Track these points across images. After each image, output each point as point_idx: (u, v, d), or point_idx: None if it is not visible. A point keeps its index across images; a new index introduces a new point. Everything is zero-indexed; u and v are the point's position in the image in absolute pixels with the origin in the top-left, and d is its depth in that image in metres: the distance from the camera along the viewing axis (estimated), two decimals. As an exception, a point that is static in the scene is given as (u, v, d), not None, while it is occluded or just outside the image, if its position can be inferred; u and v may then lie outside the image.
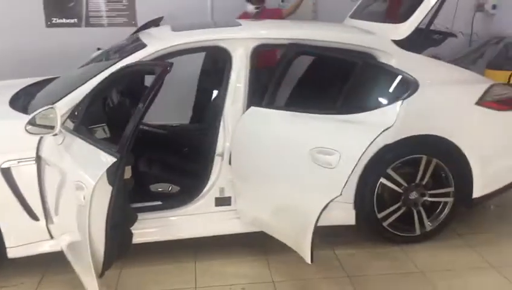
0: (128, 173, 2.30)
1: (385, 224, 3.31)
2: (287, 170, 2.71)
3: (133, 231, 2.76)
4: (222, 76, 3.17)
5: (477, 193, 3.34)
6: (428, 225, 3.36)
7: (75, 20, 5.74)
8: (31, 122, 2.58)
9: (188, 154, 3.67)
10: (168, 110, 4.53)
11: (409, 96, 2.59)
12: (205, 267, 3.15)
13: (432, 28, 3.54)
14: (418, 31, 3.34)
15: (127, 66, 2.84)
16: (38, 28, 5.67)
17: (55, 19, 5.70)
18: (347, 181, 2.38)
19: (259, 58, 3.12)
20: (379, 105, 2.59)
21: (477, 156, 3.27)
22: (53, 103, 2.86)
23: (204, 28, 3.34)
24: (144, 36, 3.38)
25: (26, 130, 2.56)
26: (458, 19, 5.40)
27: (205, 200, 3.18)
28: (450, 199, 3.34)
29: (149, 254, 3.20)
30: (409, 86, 2.68)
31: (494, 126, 3.34)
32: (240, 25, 3.40)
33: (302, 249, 2.67)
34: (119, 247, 2.49)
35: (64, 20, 5.73)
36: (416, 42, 3.35)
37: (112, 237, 2.29)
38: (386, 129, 2.35)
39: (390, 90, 2.77)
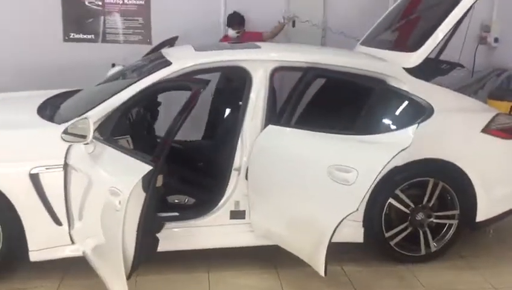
0: (160, 181, 2.44)
1: (392, 243, 3.43)
2: (303, 185, 2.86)
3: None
4: (236, 95, 3.33)
5: (480, 216, 3.48)
6: (434, 246, 3.48)
7: (92, 36, 5.93)
8: (66, 132, 2.71)
9: (203, 169, 3.81)
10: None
11: (424, 120, 2.76)
12: (218, 278, 3.26)
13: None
14: (427, 60, 3.53)
15: (164, 81, 2.99)
16: (57, 42, 5.84)
17: (73, 34, 5.88)
18: (364, 197, 2.52)
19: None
20: (395, 127, 2.75)
21: (482, 181, 3.43)
22: (81, 114, 3.02)
23: (226, 49, 3.51)
24: (167, 54, 3.55)
25: (62, 138, 2.70)
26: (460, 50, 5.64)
27: (220, 212, 3.31)
28: (454, 221, 3.48)
29: (163, 263, 3.30)
30: (424, 111, 2.85)
31: (499, 153, 3.51)
32: (260, 47, 3.58)
33: (316, 263, 2.79)
34: (146, 252, 2.62)
35: (81, 36, 5.91)
36: (425, 71, 3.54)
37: (141, 241, 2.41)
38: (403, 150, 2.51)
39: (406, 114, 2.93)
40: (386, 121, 2.94)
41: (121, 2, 5.90)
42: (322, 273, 2.74)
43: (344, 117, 3.07)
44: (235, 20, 5.42)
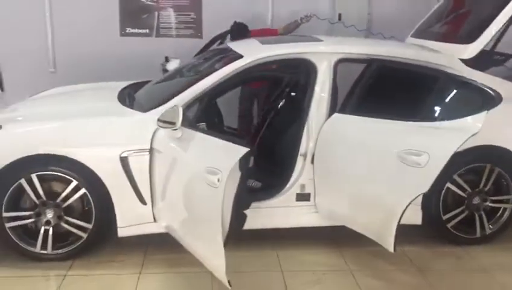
0: (251, 162, 2.69)
1: (449, 225, 3.63)
2: (372, 169, 3.08)
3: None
4: (291, 87, 3.52)
5: (534, 201, 3.65)
6: (489, 229, 3.66)
7: (147, 30, 6.22)
8: (160, 119, 3.00)
9: (268, 154, 4.05)
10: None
11: (492, 107, 2.94)
12: (286, 255, 3.50)
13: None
14: (482, 51, 3.70)
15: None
16: (114, 36, 6.16)
17: (129, 28, 6.19)
18: (435, 179, 2.73)
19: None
20: (464, 114, 2.94)
21: (536, 167, 3.59)
22: (163, 103, 3.31)
23: (291, 42, 3.74)
24: (236, 47, 3.78)
25: (158, 126, 2.99)
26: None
27: (287, 195, 3.55)
28: (509, 206, 3.65)
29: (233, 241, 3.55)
30: (493, 99, 3.03)
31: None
32: (322, 40, 3.80)
33: (385, 240, 3.02)
34: (237, 226, 2.89)
35: (137, 30, 6.21)
36: (481, 62, 3.71)
37: (236, 216, 2.68)
38: (473, 135, 2.71)
39: (474, 101, 3.12)
40: (455, 108, 3.13)
41: (174, -3, 6.18)
42: (392, 249, 2.97)
43: (407, 105, 3.27)
44: (240, 34, 5.13)
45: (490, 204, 3.64)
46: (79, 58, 6.08)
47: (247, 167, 2.63)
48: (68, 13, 5.98)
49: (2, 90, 5.61)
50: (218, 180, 2.52)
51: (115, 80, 4.65)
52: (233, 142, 2.70)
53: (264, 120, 3.00)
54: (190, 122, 3.11)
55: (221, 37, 5.42)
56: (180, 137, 2.99)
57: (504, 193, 3.65)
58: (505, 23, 3.66)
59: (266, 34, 5.24)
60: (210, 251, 2.70)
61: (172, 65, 4.95)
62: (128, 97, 3.85)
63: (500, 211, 3.68)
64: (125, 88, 4.14)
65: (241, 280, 2.71)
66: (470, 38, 3.73)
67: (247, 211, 3.20)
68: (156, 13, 6.19)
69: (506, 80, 3.81)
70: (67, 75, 5.85)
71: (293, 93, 3.83)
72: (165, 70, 5.76)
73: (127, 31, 6.19)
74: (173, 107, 2.97)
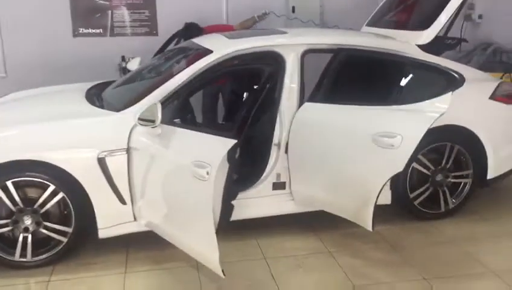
0: (237, 153, 2.76)
1: (416, 203, 3.85)
2: (347, 153, 3.23)
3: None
4: (256, 80, 3.63)
5: (491, 174, 3.92)
6: (452, 203, 3.91)
7: (101, 30, 6.11)
8: (139, 118, 3.01)
9: (242, 146, 4.12)
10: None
11: (456, 89, 3.15)
12: (267, 243, 3.60)
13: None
14: (436, 37, 3.93)
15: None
16: (66, 37, 6.02)
17: (81, 29, 6.06)
18: (411, 156, 2.91)
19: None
20: (433, 95, 3.13)
21: (491, 143, 3.85)
22: (137, 102, 3.31)
23: (258, 36, 3.82)
24: (203, 43, 3.83)
25: (139, 124, 3.00)
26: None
27: (264, 185, 3.65)
28: (469, 180, 3.92)
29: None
30: (456, 81, 3.24)
31: (504, 117, 3.95)
32: (286, 32, 3.90)
33: (363, 220, 3.18)
34: (226, 217, 2.95)
35: (90, 30, 6.09)
36: (435, 47, 3.94)
37: (224, 207, 2.74)
38: (441, 115, 2.90)
39: (441, 83, 3.33)
40: (422, 90, 3.32)
41: (127, -5, 6.10)
42: (370, 228, 3.13)
43: (376, 90, 3.44)
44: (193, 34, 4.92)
45: (452, 180, 3.89)
46: (31, 61, 5.92)
47: (234, 158, 2.70)
48: (17, 16, 5.79)
49: None
50: (207, 173, 2.58)
51: (70, 82, 4.58)
52: (219, 135, 2.76)
53: (241, 114, 3.07)
54: (169, 119, 3.13)
55: (178, 36, 5.41)
56: (160, 134, 3.02)
57: (464, 168, 3.90)
58: (455, 10, 3.90)
59: (221, 30, 5.28)
60: (202, 243, 2.75)
61: (133, 64, 4.91)
62: (96, 98, 3.81)
63: (461, 186, 3.94)
64: (90, 89, 4.09)
65: (227, 269, 2.78)
66: (424, 24, 3.94)
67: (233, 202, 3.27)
68: (109, 12, 6.08)
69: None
70: (19, 80, 5.69)
71: (263, 86, 3.90)
72: (123, 70, 5.72)
73: (80, 32, 6.06)
74: (152, 105, 2.99)
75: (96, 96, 3.86)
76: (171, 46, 5.14)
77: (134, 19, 6.18)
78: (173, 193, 2.97)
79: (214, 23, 5.90)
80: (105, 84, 4.25)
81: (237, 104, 4.39)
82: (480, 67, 5.88)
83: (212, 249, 2.65)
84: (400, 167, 2.98)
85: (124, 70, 5.66)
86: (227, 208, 3.01)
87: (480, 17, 6.65)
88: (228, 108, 4.93)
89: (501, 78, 5.59)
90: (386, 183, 3.06)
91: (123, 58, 5.82)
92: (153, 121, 2.98)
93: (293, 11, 6.31)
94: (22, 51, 5.86)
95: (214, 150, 2.65)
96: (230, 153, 2.62)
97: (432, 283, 3.11)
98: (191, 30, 5.17)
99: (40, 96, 4.05)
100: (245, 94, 4.48)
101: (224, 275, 2.72)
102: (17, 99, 4.01)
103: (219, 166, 2.56)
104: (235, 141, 2.61)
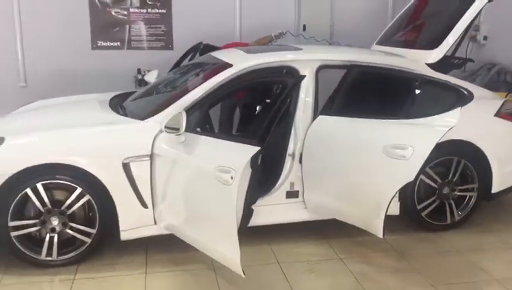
0: (259, 160, 2.93)
1: (423, 214, 4.01)
2: (360, 164, 3.40)
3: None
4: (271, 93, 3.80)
5: (495, 188, 4.09)
6: (458, 215, 4.07)
7: (118, 43, 6.36)
8: (165, 126, 3.20)
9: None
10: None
11: (465, 104, 3.34)
12: (280, 249, 3.75)
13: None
14: (444, 56, 4.13)
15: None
16: (85, 50, 6.25)
17: (100, 42, 6.30)
18: (420, 169, 3.08)
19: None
20: (443, 110, 3.31)
21: (496, 158, 4.03)
22: (159, 111, 3.51)
23: (275, 51, 4.03)
24: (223, 57, 4.03)
25: (165, 132, 3.19)
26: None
27: (278, 193, 3.82)
28: (474, 193, 4.08)
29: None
30: (465, 97, 3.44)
31: (508, 134, 4.12)
32: (301, 49, 4.10)
33: (374, 227, 3.34)
34: (246, 220, 3.13)
35: (108, 43, 6.33)
36: (443, 65, 4.14)
37: (245, 211, 2.91)
38: (451, 128, 3.08)
39: (451, 99, 3.52)
40: (432, 105, 3.50)
41: (144, 11, 6.36)
42: (381, 235, 3.29)
43: (388, 105, 3.63)
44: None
45: (458, 193, 4.05)
46: (50, 72, 6.16)
47: (257, 164, 2.87)
48: (38, 28, 6.03)
49: None
50: (232, 177, 2.76)
51: (87, 92, 4.77)
52: (246, 142, 2.94)
53: (262, 124, 3.27)
54: (190, 128, 3.31)
55: (193, 50, 5.62)
56: (184, 141, 3.20)
57: (469, 182, 4.07)
58: (463, 31, 4.11)
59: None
60: (225, 244, 2.90)
61: (150, 76, 5.13)
62: (119, 107, 4.00)
63: (467, 199, 4.10)
64: (113, 98, 4.29)
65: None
66: (433, 44, 4.16)
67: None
68: (127, 26, 6.34)
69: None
70: (38, 90, 5.92)
71: (279, 99, 4.10)
72: (139, 82, 5.94)
73: (99, 44, 6.31)
74: (177, 114, 3.18)
75: (119, 105, 4.05)
76: (186, 61, 5.36)
77: (151, 33, 6.42)
78: (196, 196, 3.14)
79: (227, 39, 6.13)
80: (127, 95, 4.45)
81: (252, 116, 4.59)
82: (485, 87, 6.11)
83: (234, 249, 2.81)
84: (411, 177, 3.15)
85: (140, 83, 5.89)
86: (247, 212, 3.17)
87: (485, 38, 6.86)
88: (242, 120, 5.11)
89: (505, 97, 5.82)
90: (396, 193, 3.23)
91: (139, 71, 6.05)
92: (177, 129, 3.16)
93: (304, 29, 6.56)
94: (42, 61, 6.10)
95: (238, 156, 2.83)
96: (254, 158, 2.79)
97: (438, 289, 3.25)
98: (208, 50, 5.39)
99: (68, 104, 4.25)
100: (258, 107, 4.68)
101: (244, 274, 2.87)
102: (46, 106, 4.21)
103: (243, 171, 2.73)
104: (259, 148, 2.79)
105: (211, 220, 3.00)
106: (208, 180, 2.94)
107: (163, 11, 6.40)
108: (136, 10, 6.33)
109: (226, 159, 2.88)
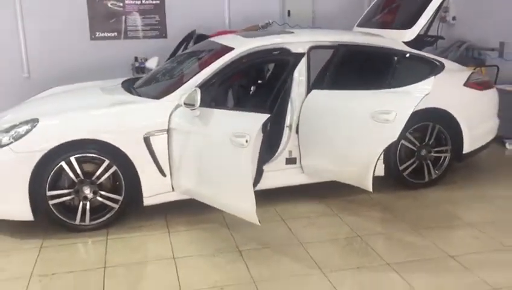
0: (268, 126, 3.43)
1: (405, 174, 4.59)
2: (351, 129, 3.93)
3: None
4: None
5: (466, 149, 4.70)
6: (435, 173, 4.66)
7: (115, 33, 6.74)
8: (184, 102, 3.67)
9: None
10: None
11: (438, 73, 3.91)
12: (283, 209, 4.28)
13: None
14: (418, 35, 4.69)
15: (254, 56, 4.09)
16: (84, 41, 6.62)
17: (98, 32, 6.67)
18: (402, 129, 3.63)
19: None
20: (419, 80, 3.85)
21: (466, 123, 4.62)
22: (173, 91, 3.98)
23: (271, 35, 4.53)
24: (224, 42, 4.50)
25: (185, 107, 3.66)
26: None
27: (278, 160, 4.34)
28: (448, 154, 4.67)
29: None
30: (437, 67, 4.01)
31: (476, 101, 4.72)
32: (293, 32, 4.61)
33: (364, 183, 3.88)
34: (258, 178, 3.64)
35: (106, 34, 6.71)
36: (417, 43, 4.71)
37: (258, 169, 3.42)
38: (426, 95, 3.63)
39: (426, 70, 4.09)
40: (411, 75, 4.03)
41: (139, 2, 6.74)
42: (370, 189, 3.84)
43: (372, 78, 4.17)
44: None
45: (434, 154, 4.64)
46: (52, 63, 6.50)
47: (266, 130, 3.38)
48: (40, 21, 6.37)
49: None
50: (247, 141, 3.25)
51: (88, 80, 5.19)
52: (256, 111, 3.43)
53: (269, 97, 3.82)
54: (206, 103, 3.78)
55: (188, 39, 6.06)
56: (199, 115, 3.68)
57: (443, 144, 4.66)
58: (434, 12, 4.67)
59: None
60: (241, 198, 3.39)
61: (151, 62, 5.60)
62: (132, 89, 4.46)
63: (442, 159, 4.70)
64: (123, 82, 4.73)
65: (253, 229, 3.49)
66: (408, 24, 4.71)
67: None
68: (123, 17, 6.71)
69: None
70: (40, 80, 6.28)
71: (277, 77, 4.59)
72: (137, 69, 6.36)
73: (97, 35, 6.67)
74: (193, 91, 3.65)
75: (131, 88, 4.50)
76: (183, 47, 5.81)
77: (146, 23, 6.81)
78: (212, 160, 3.62)
79: (216, 27, 6.58)
80: (136, 79, 4.91)
81: (248, 96, 5.11)
82: (456, 62, 6.74)
83: (251, 202, 3.31)
84: (394, 137, 3.70)
85: (138, 70, 6.31)
86: (259, 171, 3.68)
87: (454, 18, 7.46)
88: (240, 99, 5.59)
89: (473, 70, 6.43)
90: (383, 152, 3.78)
91: (136, 59, 6.46)
92: (193, 105, 3.64)
93: (289, 14, 7.04)
94: (44, 53, 6.45)
95: (251, 122, 3.32)
96: (264, 125, 3.30)
97: (419, 232, 3.83)
98: (202, 39, 5.85)
99: (85, 89, 4.68)
100: (253, 87, 5.20)
101: (259, 222, 3.38)
102: (65, 92, 4.64)
103: (256, 135, 3.24)
104: (268, 115, 3.29)
105: (228, 179, 3.49)
106: (224, 145, 3.42)
107: (157, 1, 6.78)
108: (131, 1, 6.69)
109: (240, 125, 3.37)
